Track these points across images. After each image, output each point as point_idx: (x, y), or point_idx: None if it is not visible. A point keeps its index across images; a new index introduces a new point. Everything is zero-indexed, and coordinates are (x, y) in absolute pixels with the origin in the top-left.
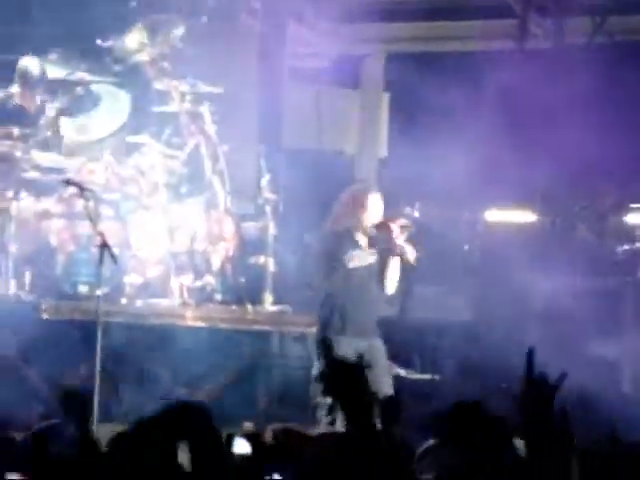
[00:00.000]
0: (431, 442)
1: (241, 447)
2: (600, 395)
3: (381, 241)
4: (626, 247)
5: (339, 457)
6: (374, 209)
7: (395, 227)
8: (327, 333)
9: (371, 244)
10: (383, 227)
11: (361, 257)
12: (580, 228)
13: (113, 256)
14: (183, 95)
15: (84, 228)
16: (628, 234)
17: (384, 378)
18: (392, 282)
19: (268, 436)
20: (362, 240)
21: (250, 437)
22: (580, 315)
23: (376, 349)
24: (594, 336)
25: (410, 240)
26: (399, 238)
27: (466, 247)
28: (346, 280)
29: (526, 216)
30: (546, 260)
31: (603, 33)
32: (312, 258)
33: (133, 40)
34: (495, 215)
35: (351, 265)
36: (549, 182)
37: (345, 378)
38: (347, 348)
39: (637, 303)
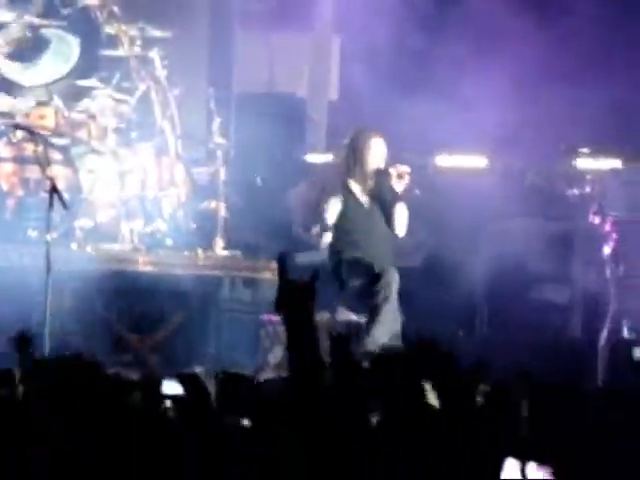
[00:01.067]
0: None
1: (174, 389)
2: (550, 339)
3: (384, 187)
4: (576, 191)
5: (283, 402)
6: (377, 154)
7: (394, 173)
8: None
9: (372, 190)
10: (383, 173)
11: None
12: (530, 172)
13: (63, 201)
14: (133, 39)
15: (34, 172)
16: (578, 178)
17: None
18: (402, 226)
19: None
20: (355, 187)
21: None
22: (530, 259)
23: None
24: (544, 280)
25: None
26: (398, 185)
27: (417, 192)
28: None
29: (476, 161)
30: (497, 204)
31: None
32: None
33: None
34: (445, 160)
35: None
36: (499, 127)
37: (294, 298)
38: None
39: (587, 247)
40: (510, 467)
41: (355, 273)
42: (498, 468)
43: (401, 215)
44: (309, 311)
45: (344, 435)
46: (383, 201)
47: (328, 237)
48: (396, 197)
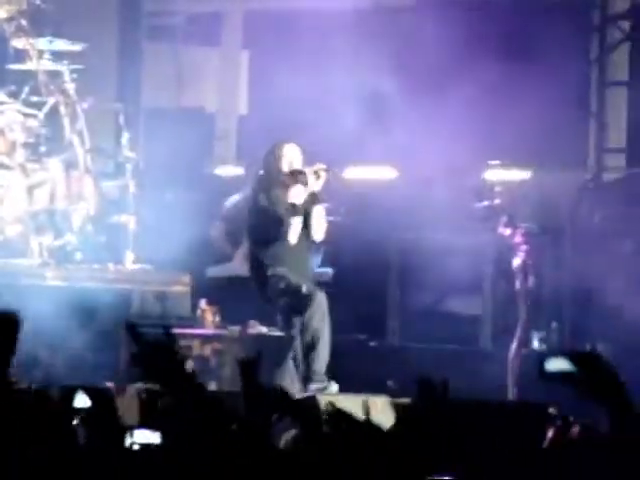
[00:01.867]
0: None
1: (82, 402)
2: (459, 351)
3: (299, 189)
4: (485, 203)
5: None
6: (288, 158)
7: (309, 172)
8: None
9: (290, 192)
10: (297, 174)
11: (294, 226)
12: (438, 183)
13: None
14: (41, 53)
15: None
16: (487, 191)
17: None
18: (320, 229)
19: (130, 394)
20: (279, 193)
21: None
22: (440, 271)
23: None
24: (454, 293)
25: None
26: (316, 184)
27: (326, 205)
28: (285, 247)
29: (386, 172)
30: (406, 217)
31: None
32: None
33: None
34: (355, 172)
35: (293, 240)
36: (409, 139)
37: (157, 358)
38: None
39: (497, 259)
40: None
41: (283, 291)
42: None
43: (319, 218)
44: (173, 363)
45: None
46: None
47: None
48: (314, 198)
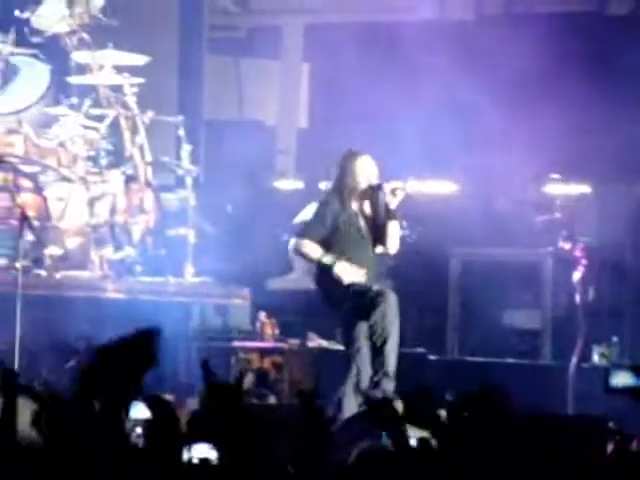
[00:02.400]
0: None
1: (141, 412)
2: (519, 365)
3: (377, 204)
4: (545, 217)
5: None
6: (365, 171)
7: (388, 189)
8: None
9: (366, 206)
10: (376, 189)
11: (348, 272)
12: (499, 198)
13: (32, 228)
14: (102, 66)
15: (3, 200)
16: (547, 204)
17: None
18: (394, 242)
19: (188, 408)
20: (354, 205)
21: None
22: (500, 285)
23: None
24: (514, 307)
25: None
26: (392, 201)
27: (402, 222)
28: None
29: (446, 186)
30: (466, 231)
31: None
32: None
33: (52, 11)
34: (414, 185)
35: (347, 281)
36: (469, 152)
37: (225, 399)
38: None
39: (556, 273)
40: None
41: (352, 292)
42: None
43: (394, 232)
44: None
45: None
46: (377, 218)
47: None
48: (390, 214)
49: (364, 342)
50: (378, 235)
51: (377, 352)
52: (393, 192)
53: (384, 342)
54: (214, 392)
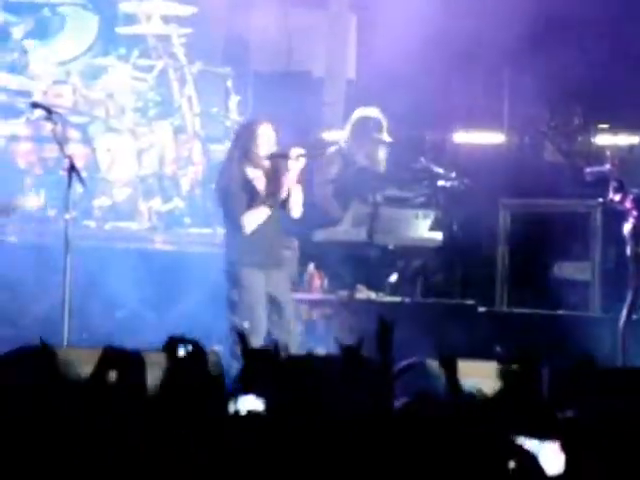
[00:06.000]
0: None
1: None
2: (568, 317)
3: (278, 171)
4: (595, 168)
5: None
6: (266, 139)
7: (293, 154)
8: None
9: (267, 176)
10: (278, 157)
11: (256, 215)
12: (548, 149)
13: (81, 179)
14: (150, 17)
15: (52, 151)
16: (596, 155)
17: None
18: (298, 206)
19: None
20: (254, 173)
21: None
22: (548, 237)
23: (276, 280)
24: (563, 258)
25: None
26: (295, 168)
27: (438, 169)
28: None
29: (494, 137)
30: (515, 182)
31: None
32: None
33: None
34: (463, 136)
35: (249, 230)
36: (517, 102)
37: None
38: (246, 279)
39: (606, 225)
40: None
41: None
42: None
43: (297, 197)
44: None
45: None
46: (279, 184)
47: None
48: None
49: None
50: (281, 201)
51: None
52: (297, 159)
53: None
54: (250, 356)
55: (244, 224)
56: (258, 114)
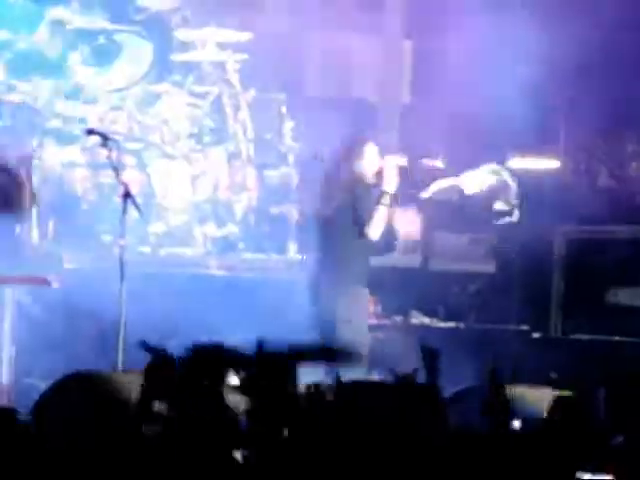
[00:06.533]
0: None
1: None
2: (624, 343)
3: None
4: None
5: None
6: (372, 159)
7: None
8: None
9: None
10: (380, 175)
11: (379, 222)
12: (602, 174)
13: (136, 205)
14: (205, 43)
15: (107, 177)
16: None
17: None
18: (378, 228)
19: None
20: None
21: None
22: (603, 263)
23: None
24: (620, 283)
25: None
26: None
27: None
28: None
29: (549, 163)
30: (570, 207)
31: None
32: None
33: None
34: (518, 162)
35: (373, 235)
36: (572, 128)
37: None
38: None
39: None
40: None
41: None
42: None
43: (380, 217)
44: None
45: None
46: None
47: None
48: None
49: None
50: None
51: None
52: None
53: None
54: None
55: (370, 232)
56: (358, 134)
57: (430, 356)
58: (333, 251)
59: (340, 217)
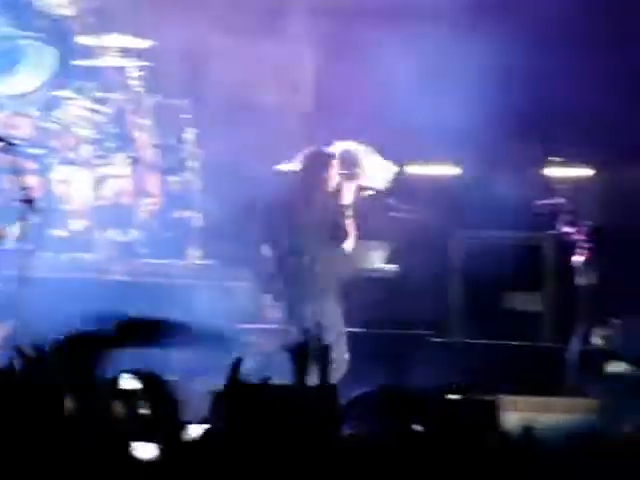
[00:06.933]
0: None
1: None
2: (525, 349)
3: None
4: (546, 201)
5: None
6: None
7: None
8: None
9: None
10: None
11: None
12: (500, 181)
13: (37, 210)
14: (108, 50)
15: (8, 183)
16: (548, 188)
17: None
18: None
19: None
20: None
21: None
22: (499, 268)
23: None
24: (516, 289)
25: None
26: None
27: (390, 200)
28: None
29: (446, 169)
30: (467, 213)
31: None
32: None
33: None
34: (415, 168)
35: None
36: (473, 133)
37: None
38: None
39: (557, 257)
40: None
41: None
42: None
43: (350, 227)
44: None
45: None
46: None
47: None
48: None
49: None
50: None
51: None
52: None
53: None
54: None
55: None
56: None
57: (300, 358)
58: None
59: None
